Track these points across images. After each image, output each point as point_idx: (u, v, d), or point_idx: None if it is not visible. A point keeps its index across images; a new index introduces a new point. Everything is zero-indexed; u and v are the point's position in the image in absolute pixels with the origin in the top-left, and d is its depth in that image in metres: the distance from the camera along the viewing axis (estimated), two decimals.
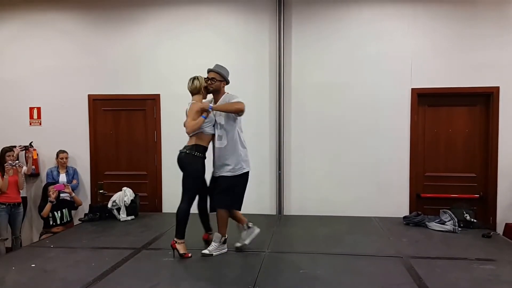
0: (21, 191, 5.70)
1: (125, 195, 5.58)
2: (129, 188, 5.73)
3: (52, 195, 5.46)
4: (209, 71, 4.21)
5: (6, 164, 5.44)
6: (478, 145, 5.78)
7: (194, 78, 4.22)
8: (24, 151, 6.01)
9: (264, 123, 5.97)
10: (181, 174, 4.31)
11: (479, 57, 5.63)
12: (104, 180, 6.27)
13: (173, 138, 6.06)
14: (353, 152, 5.88)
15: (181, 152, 4.18)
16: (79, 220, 5.60)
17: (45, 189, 5.61)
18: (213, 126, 4.17)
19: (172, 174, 6.07)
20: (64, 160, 6.01)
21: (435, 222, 5.01)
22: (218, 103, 4.16)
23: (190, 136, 4.17)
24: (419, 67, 5.73)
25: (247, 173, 4.19)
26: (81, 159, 6.26)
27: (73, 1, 6.21)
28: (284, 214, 5.93)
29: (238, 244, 4.18)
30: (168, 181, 6.16)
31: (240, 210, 4.24)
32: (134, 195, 5.70)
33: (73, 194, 5.75)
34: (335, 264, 3.78)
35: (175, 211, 5.94)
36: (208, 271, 3.65)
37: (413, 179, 5.81)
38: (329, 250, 4.19)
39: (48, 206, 5.48)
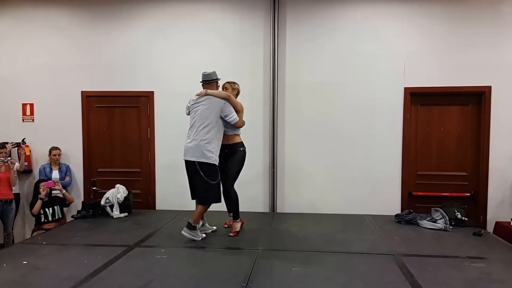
0: (13, 187, 5.67)
1: (118, 192, 5.56)
2: (122, 185, 5.71)
3: (42, 192, 5.44)
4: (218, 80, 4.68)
5: None
6: (470, 144, 5.83)
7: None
8: (16, 147, 5.97)
9: (258, 121, 5.97)
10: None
11: (471, 57, 5.68)
12: (97, 177, 6.26)
13: (167, 135, 6.10)
14: (346, 150, 5.90)
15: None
16: (72, 217, 5.57)
17: (37, 186, 5.58)
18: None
19: (166, 171, 6.12)
20: (57, 156, 5.98)
21: (427, 220, 5.05)
22: None
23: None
24: (412, 66, 5.76)
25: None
26: (74, 156, 6.23)
27: None
28: (277, 212, 5.95)
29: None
30: (161, 179, 6.16)
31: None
32: (127, 192, 5.68)
33: (64, 191, 5.72)
34: (328, 262, 3.79)
35: (168, 208, 6.02)
36: (201, 268, 3.66)
37: (405, 178, 5.85)
38: (322, 248, 4.21)
39: (38, 203, 5.45)
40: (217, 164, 4.42)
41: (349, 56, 5.86)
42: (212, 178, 4.37)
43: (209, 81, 4.59)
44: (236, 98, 4.72)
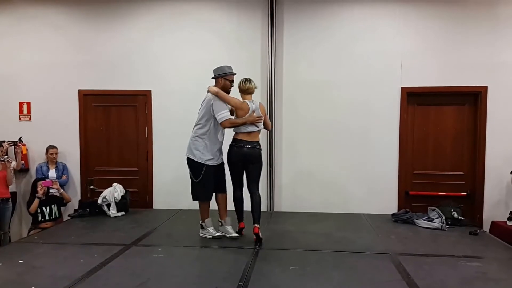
0: (10, 186, 5.65)
1: (115, 191, 5.56)
2: (120, 184, 5.71)
3: (40, 191, 5.43)
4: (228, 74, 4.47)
5: None
6: (466, 144, 5.85)
7: (250, 79, 4.49)
8: (13, 146, 5.95)
9: None
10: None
11: (468, 57, 5.70)
12: (94, 176, 6.24)
13: (165, 134, 6.09)
14: (343, 149, 5.91)
15: (256, 148, 4.42)
16: (69, 216, 5.57)
17: (34, 185, 5.59)
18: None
19: (163, 170, 6.11)
20: (54, 155, 5.96)
21: (423, 220, 5.06)
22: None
23: (255, 132, 4.42)
24: (409, 66, 5.78)
25: None
26: (71, 154, 6.21)
27: None
28: (275, 210, 5.96)
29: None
30: (159, 177, 6.15)
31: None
32: (124, 191, 5.67)
33: (61, 190, 5.72)
34: (325, 260, 3.80)
35: (165, 207, 6.01)
36: (198, 267, 3.67)
37: (402, 177, 5.87)
38: (319, 246, 4.21)
39: (36, 202, 5.45)
40: (208, 164, 4.32)
41: (346, 55, 5.87)
42: (195, 177, 4.38)
43: (213, 78, 4.50)
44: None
